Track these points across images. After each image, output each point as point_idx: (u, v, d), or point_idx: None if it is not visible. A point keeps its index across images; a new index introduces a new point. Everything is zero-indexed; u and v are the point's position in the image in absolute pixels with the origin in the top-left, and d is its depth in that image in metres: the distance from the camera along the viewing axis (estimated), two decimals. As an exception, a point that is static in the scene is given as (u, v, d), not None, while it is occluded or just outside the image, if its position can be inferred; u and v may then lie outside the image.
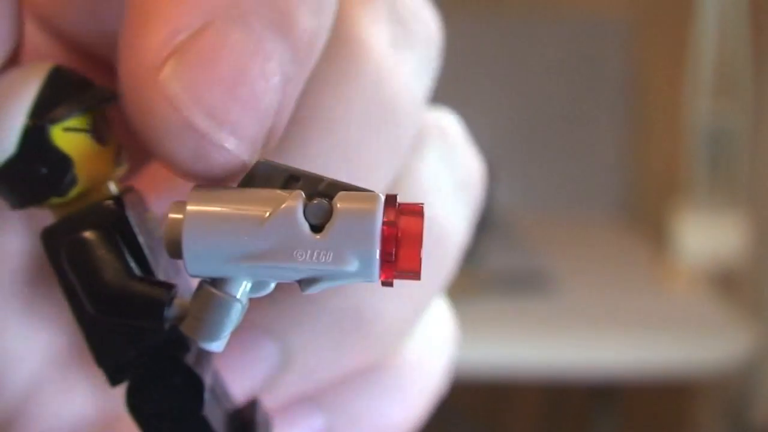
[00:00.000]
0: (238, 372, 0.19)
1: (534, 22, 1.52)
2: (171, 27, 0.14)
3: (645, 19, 1.51)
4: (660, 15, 1.50)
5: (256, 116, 0.15)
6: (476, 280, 1.17)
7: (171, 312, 0.16)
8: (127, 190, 0.17)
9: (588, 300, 1.16)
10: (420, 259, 0.15)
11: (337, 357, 0.19)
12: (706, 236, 1.24)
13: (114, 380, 0.17)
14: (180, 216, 0.15)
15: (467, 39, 1.51)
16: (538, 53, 1.53)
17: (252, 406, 0.18)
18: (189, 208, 0.15)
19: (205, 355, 0.17)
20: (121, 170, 0.17)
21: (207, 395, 0.17)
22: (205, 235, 0.15)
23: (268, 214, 0.15)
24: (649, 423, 1.51)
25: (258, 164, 0.15)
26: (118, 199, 0.16)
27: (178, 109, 0.14)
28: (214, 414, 0.17)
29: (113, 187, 0.17)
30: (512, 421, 1.56)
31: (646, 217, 1.52)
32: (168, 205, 0.15)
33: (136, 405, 0.16)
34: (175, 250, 0.15)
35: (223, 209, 0.15)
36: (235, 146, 0.15)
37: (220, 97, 0.14)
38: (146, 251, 0.16)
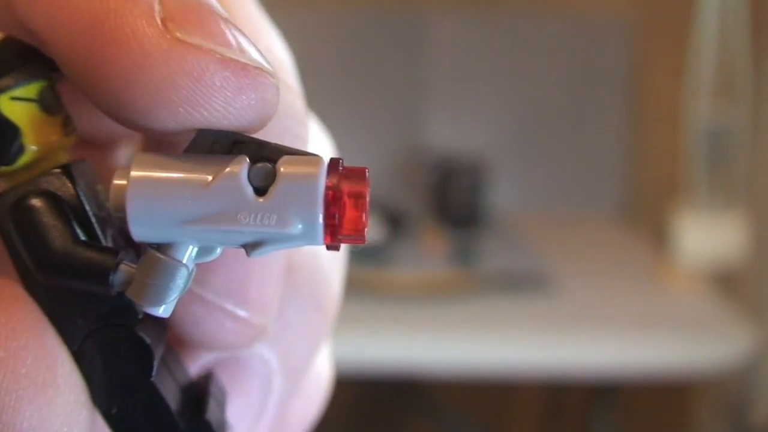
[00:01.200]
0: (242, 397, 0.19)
1: (534, 22, 1.52)
2: None
3: (645, 19, 1.51)
4: (660, 15, 1.50)
5: (252, 44, 0.15)
6: (476, 280, 1.17)
7: (117, 278, 0.15)
8: (77, 160, 0.17)
9: (588, 300, 1.16)
10: (365, 223, 0.15)
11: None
12: (706, 236, 1.24)
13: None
14: (124, 182, 0.15)
15: (468, 38, 1.51)
16: (539, 53, 1.53)
17: (206, 378, 0.18)
18: (133, 173, 0.15)
19: (157, 326, 0.17)
20: (71, 140, 0.17)
21: (156, 363, 0.16)
22: (149, 200, 0.15)
23: (212, 177, 0.15)
24: (649, 423, 1.51)
25: (201, 132, 0.15)
26: (66, 168, 0.16)
27: (212, 51, 0.14)
28: (165, 383, 0.17)
29: (63, 157, 0.17)
30: (512, 421, 1.56)
31: (646, 217, 1.52)
32: (113, 172, 0.15)
33: (85, 372, 0.16)
34: (120, 216, 0.15)
35: (167, 174, 0.15)
36: (269, 67, 0.15)
37: (233, 35, 0.15)
38: (93, 220, 0.16)
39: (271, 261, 0.18)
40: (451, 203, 1.39)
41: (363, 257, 1.16)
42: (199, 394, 0.18)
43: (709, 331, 1.10)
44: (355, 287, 1.10)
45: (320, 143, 0.21)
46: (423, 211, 1.41)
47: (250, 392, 0.19)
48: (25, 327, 0.15)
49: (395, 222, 1.29)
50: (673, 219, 1.28)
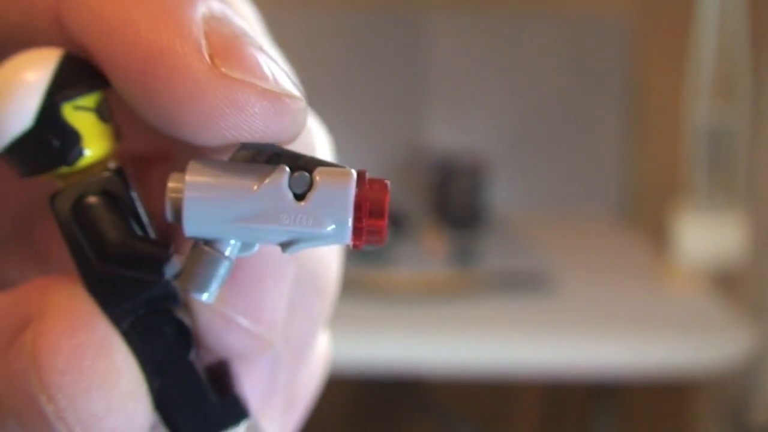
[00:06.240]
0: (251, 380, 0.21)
1: (534, 22, 1.52)
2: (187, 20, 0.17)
3: (645, 18, 1.51)
4: (660, 14, 1.50)
5: (283, 70, 0.18)
6: (476, 280, 1.17)
7: (170, 268, 0.18)
8: (122, 165, 0.19)
9: (588, 300, 1.16)
10: (385, 226, 0.18)
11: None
12: (705, 236, 1.24)
13: None
14: (180, 184, 0.17)
15: (467, 38, 1.51)
16: (538, 52, 1.53)
17: (222, 364, 0.20)
18: (188, 177, 0.17)
19: (186, 313, 0.19)
20: (120, 146, 0.19)
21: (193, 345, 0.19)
22: (202, 201, 0.17)
23: (257, 184, 0.17)
24: (649, 423, 1.51)
25: (243, 145, 0.18)
26: (118, 170, 0.18)
27: (253, 85, 0.17)
28: (197, 362, 0.19)
29: (113, 161, 0.19)
30: (512, 421, 1.56)
31: (646, 217, 1.52)
32: (169, 176, 0.17)
33: (131, 352, 0.18)
34: (175, 214, 0.17)
35: (219, 179, 0.17)
36: (299, 93, 0.18)
37: (268, 68, 0.17)
38: (144, 217, 0.18)
39: (282, 283, 0.20)
40: (451, 203, 1.39)
41: (363, 257, 1.16)
42: (221, 374, 0.20)
43: (709, 331, 1.11)
44: (355, 287, 1.10)
45: (319, 138, 0.23)
46: (423, 211, 1.41)
47: (260, 372, 0.21)
48: (83, 323, 0.18)
49: (395, 222, 1.29)
50: (673, 219, 1.28)
